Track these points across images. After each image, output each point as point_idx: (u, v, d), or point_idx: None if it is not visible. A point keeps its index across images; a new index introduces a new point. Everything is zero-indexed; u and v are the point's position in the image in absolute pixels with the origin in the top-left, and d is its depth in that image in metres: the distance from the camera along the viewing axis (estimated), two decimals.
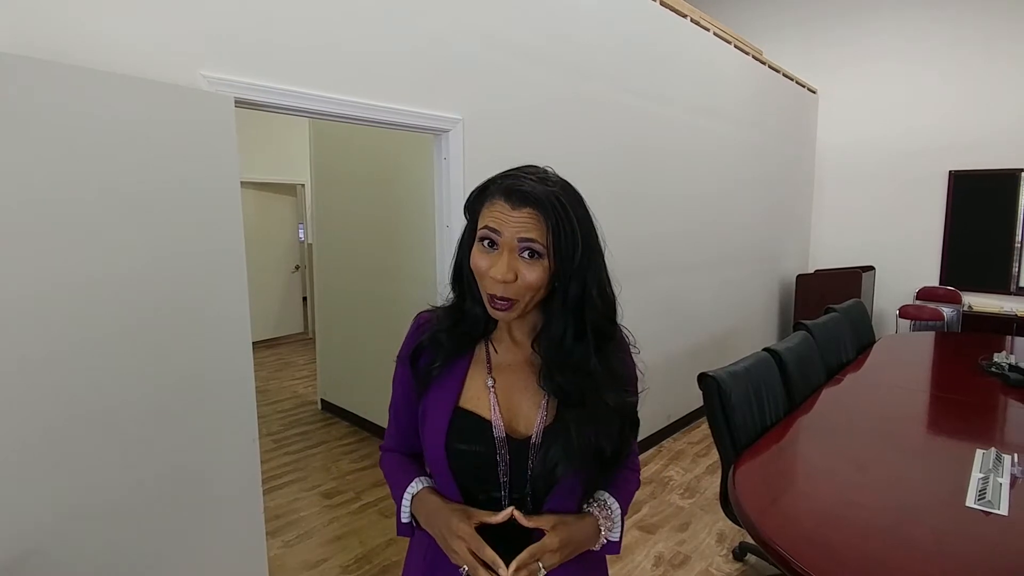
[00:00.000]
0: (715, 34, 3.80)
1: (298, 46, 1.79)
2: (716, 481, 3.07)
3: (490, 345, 0.86)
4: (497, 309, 0.77)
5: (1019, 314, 4.52)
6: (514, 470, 0.80)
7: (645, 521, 2.70)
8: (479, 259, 0.77)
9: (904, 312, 4.90)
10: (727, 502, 1.96)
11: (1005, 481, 1.61)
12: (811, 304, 4.81)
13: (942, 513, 1.50)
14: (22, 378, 1.27)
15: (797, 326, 3.00)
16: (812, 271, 5.40)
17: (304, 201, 6.48)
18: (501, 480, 0.81)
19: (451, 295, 0.87)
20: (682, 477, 3.18)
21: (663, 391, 3.63)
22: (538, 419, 0.81)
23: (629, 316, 0.89)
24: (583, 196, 0.80)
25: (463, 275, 0.83)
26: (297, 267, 6.65)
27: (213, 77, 1.59)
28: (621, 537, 0.88)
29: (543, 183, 0.75)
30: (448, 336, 0.84)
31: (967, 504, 1.51)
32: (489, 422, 0.81)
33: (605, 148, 3.01)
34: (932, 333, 4.00)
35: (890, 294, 5.23)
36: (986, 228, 4.80)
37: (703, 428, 3.82)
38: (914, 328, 4.89)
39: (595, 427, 0.78)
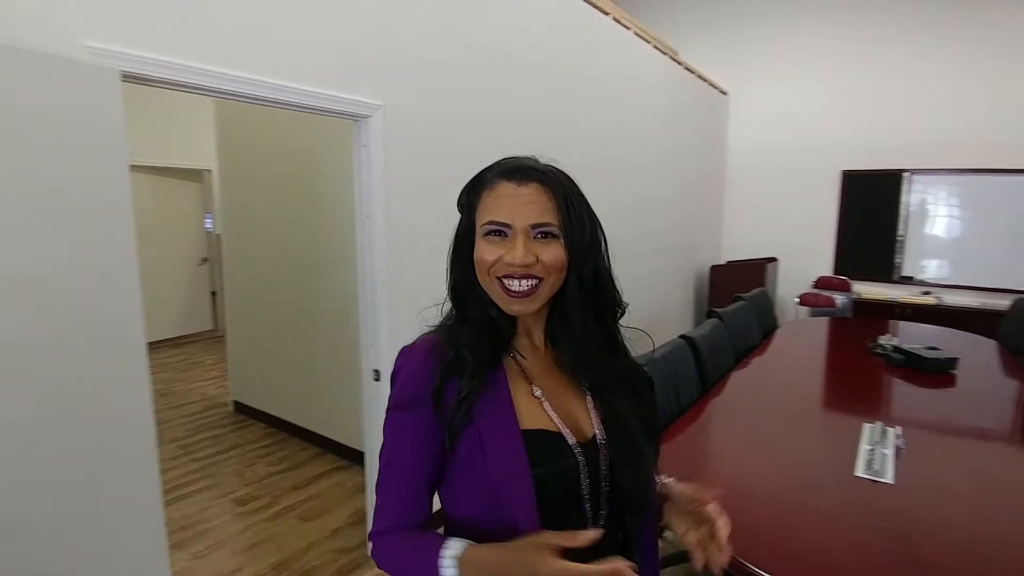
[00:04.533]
0: (635, 33, 3.90)
1: (199, 18, 1.64)
2: None
3: (517, 355, 0.77)
4: (516, 300, 0.70)
5: (901, 300, 5.02)
6: (592, 477, 0.73)
7: None
8: (486, 252, 0.70)
9: (803, 300, 5.30)
10: None
11: (890, 452, 1.77)
12: (723, 293, 5.08)
13: (836, 483, 1.62)
14: None
15: (710, 314, 3.16)
16: (724, 262, 5.73)
17: (211, 188, 6.05)
18: (584, 493, 0.72)
19: (452, 314, 0.78)
20: None
21: None
22: (592, 415, 0.76)
23: None
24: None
25: (465, 290, 0.75)
26: (204, 259, 6.21)
27: (97, 48, 1.42)
28: None
29: (539, 164, 0.74)
30: (471, 351, 0.72)
31: (856, 474, 1.64)
32: (559, 434, 0.72)
33: (529, 140, 3.02)
34: (827, 319, 4.36)
35: (790, 283, 5.64)
36: (873, 223, 5.29)
37: None
38: (811, 314, 5.30)
39: (637, 402, 0.78)
